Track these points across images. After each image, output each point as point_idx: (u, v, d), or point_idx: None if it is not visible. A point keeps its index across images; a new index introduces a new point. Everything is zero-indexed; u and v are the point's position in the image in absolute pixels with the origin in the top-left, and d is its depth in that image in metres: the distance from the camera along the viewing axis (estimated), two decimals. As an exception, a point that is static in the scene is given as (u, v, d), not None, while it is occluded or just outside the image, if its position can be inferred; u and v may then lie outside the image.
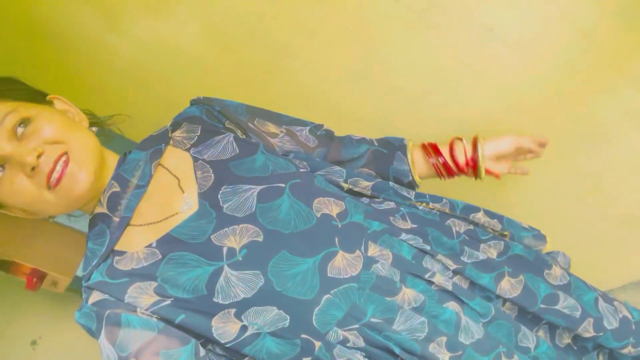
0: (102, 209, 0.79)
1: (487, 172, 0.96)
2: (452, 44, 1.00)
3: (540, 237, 0.96)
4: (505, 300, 0.90)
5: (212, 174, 0.82)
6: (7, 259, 2.06)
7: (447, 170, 0.97)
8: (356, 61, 1.06)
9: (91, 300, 0.76)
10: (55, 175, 0.71)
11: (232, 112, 0.91)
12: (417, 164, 0.98)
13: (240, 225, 0.77)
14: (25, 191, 0.72)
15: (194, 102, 0.93)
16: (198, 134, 0.87)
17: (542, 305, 0.87)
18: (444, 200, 0.93)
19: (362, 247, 0.83)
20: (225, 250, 0.75)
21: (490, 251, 0.93)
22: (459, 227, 0.95)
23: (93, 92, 1.11)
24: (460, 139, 0.96)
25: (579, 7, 0.91)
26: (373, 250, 0.84)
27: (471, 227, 0.97)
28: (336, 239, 0.80)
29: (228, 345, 0.76)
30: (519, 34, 0.96)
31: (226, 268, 0.74)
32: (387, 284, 0.81)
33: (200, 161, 0.83)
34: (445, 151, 0.96)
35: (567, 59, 0.99)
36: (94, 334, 0.74)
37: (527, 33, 0.96)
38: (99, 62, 1.12)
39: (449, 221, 0.96)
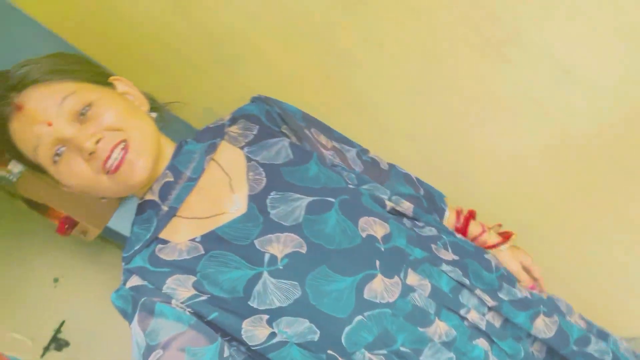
0: (152, 197, 0.80)
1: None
2: (523, 79, 0.97)
3: None
4: (534, 340, 0.89)
5: (264, 178, 0.82)
6: (44, 203, 2.13)
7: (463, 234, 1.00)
8: (419, 79, 1.04)
9: (129, 284, 0.77)
10: (114, 162, 0.71)
11: (289, 117, 0.91)
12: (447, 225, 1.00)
13: (285, 234, 0.77)
14: (82, 174, 0.73)
15: (254, 100, 0.93)
16: (255, 133, 0.87)
17: (574, 348, 0.86)
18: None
19: (402, 274, 0.82)
20: (267, 256, 0.76)
21: (524, 292, 0.92)
22: (497, 260, 0.95)
23: (155, 74, 1.12)
24: (491, 228, 0.99)
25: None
26: (412, 278, 0.83)
27: None
28: (377, 262, 0.80)
29: (254, 348, 0.78)
30: (595, 81, 0.93)
31: (265, 274, 0.75)
32: (421, 314, 0.81)
33: (253, 162, 0.83)
34: (472, 230, 0.98)
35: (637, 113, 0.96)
36: (128, 316, 0.76)
37: (602, 81, 0.92)
38: (165, 46, 1.12)
39: (487, 255, 0.95)
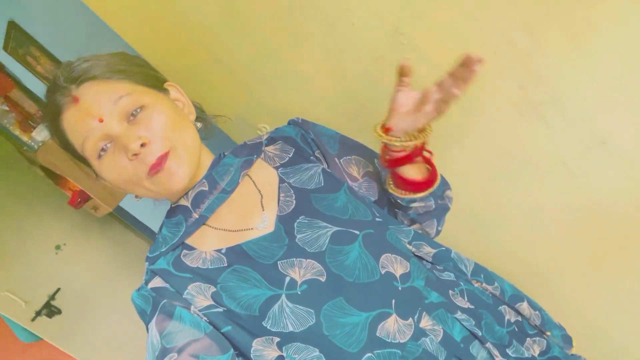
0: (185, 203, 0.82)
1: (386, 130, 0.78)
2: (557, 141, 0.97)
3: (568, 339, 0.95)
4: None
5: (294, 200, 0.83)
6: (59, 173, 2.16)
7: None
8: (455, 123, 1.05)
9: (151, 285, 0.79)
10: (154, 167, 0.73)
11: (324, 142, 0.91)
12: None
13: (308, 260, 0.78)
14: (123, 172, 0.74)
15: (291, 123, 0.94)
16: (290, 155, 0.88)
17: None
18: (496, 283, 0.93)
19: (416, 316, 0.82)
20: (287, 279, 0.77)
21: (534, 348, 0.92)
22: (509, 315, 0.94)
23: (204, 86, 1.14)
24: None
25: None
26: (426, 322, 0.83)
27: (520, 318, 0.97)
28: (393, 301, 0.80)
29: None
30: (631, 157, 0.93)
31: (283, 297, 0.76)
32: None
33: (285, 184, 0.85)
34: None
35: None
36: (146, 316, 0.77)
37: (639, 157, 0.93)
38: (216, 60, 1.14)
39: (501, 307, 0.96)
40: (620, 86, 0.86)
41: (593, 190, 1.03)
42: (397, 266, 0.83)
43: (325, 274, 0.77)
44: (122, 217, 2.56)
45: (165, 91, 0.82)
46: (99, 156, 0.75)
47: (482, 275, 0.95)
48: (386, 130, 0.77)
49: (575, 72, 0.87)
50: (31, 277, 3.12)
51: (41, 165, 2.22)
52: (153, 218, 2.47)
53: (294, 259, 0.77)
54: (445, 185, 0.92)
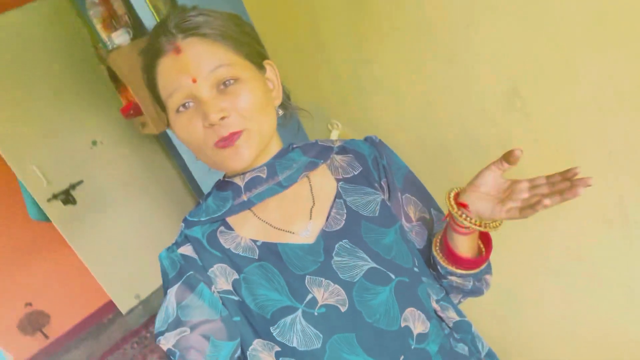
0: (239, 182, 0.79)
1: (461, 205, 0.73)
2: (632, 263, 0.90)
3: None
4: None
5: (344, 221, 0.81)
6: (123, 80, 2.17)
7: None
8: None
9: (182, 250, 0.79)
10: (223, 141, 0.71)
11: (393, 171, 0.88)
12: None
13: (335, 285, 0.76)
14: (194, 135, 0.73)
15: (368, 140, 0.90)
16: (356, 173, 0.85)
17: None
18: None
19: None
20: (309, 296, 0.75)
21: None
22: None
23: (296, 68, 1.09)
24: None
25: None
26: None
27: None
28: (402, 357, 0.78)
29: None
30: None
31: (299, 313, 0.75)
32: None
33: (342, 200, 0.82)
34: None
35: None
36: (167, 279, 0.77)
37: None
38: (320, 46, 1.09)
39: None
40: None
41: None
42: (417, 324, 0.80)
43: (347, 305, 0.75)
44: (164, 143, 2.57)
45: (262, 68, 0.80)
46: (178, 111, 0.73)
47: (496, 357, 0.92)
48: (460, 204, 0.73)
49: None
50: (62, 161, 3.20)
51: (108, 67, 2.23)
52: (195, 163, 2.48)
53: (323, 279, 0.76)
54: (488, 269, 0.88)
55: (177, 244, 0.80)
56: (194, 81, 0.70)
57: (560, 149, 0.87)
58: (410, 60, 0.99)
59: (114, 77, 2.28)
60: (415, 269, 0.82)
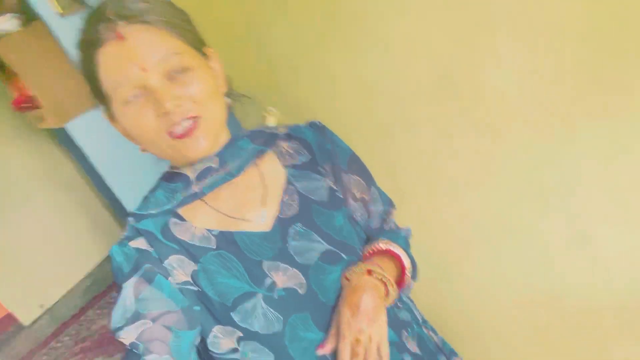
0: (189, 174, 0.78)
1: None
2: (548, 228, 1.02)
3: None
4: None
5: (297, 207, 0.83)
6: (12, 69, 1.94)
7: None
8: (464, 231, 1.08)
9: (135, 244, 0.76)
10: (180, 129, 0.69)
11: (337, 154, 0.90)
12: None
13: (293, 269, 0.78)
14: (146, 125, 0.70)
15: (312, 126, 0.91)
16: (304, 160, 0.87)
17: None
18: (439, 336, 0.98)
19: None
20: (268, 281, 0.77)
21: None
22: None
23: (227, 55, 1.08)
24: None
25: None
26: None
27: None
28: None
29: (211, 353, 0.78)
30: (606, 262, 1.01)
31: (260, 297, 0.76)
32: None
33: (292, 186, 0.84)
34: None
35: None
36: (122, 274, 0.74)
37: (614, 263, 1.01)
38: (250, 32, 1.08)
39: (440, 357, 1.02)
40: (625, 204, 0.92)
41: (558, 280, 1.10)
42: None
43: (305, 287, 0.78)
44: (63, 141, 2.33)
45: (205, 56, 0.78)
46: (126, 103, 0.70)
47: (428, 324, 1.01)
48: None
49: (592, 176, 0.92)
50: None
51: (-4, 55, 1.99)
52: (104, 161, 2.31)
53: (280, 263, 0.78)
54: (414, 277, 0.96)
55: (129, 238, 0.77)
56: (145, 70, 0.67)
57: (489, 126, 0.96)
58: (347, 47, 1.02)
59: (2, 67, 2.03)
60: (359, 251, 0.87)
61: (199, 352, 0.82)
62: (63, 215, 3.34)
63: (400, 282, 0.86)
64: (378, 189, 0.95)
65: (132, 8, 0.68)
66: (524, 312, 1.23)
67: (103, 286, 3.45)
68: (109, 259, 0.76)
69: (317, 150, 0.88)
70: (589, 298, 1.09)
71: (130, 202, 2.46)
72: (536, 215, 1.04)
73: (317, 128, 0.90)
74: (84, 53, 0.71)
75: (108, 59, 0.68)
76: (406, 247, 0.90)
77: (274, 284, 0.76)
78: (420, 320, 1.02)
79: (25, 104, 2.08)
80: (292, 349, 0.77)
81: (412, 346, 0.95)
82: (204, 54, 0.77)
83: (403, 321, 0.98)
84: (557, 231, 1.03)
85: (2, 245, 3.04)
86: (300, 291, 0.78)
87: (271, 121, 1.22)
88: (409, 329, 0.97)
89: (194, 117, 0.70)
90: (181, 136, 0.70)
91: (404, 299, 1.05)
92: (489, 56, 0.89)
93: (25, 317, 3.12)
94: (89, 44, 0.69)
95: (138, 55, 0.67)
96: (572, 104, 0.86)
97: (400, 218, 1.24)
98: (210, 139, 0.73)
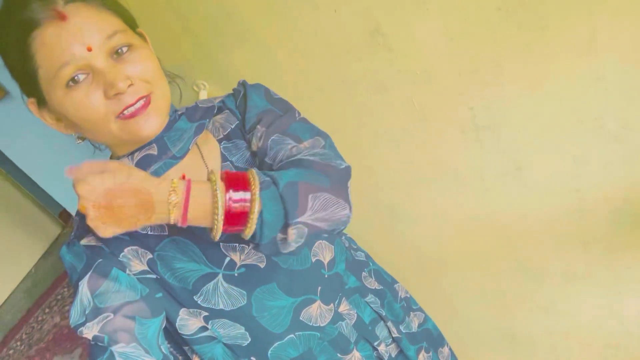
0: (129, 163, 0.76)
1: None
2: (483, 160, 1.10)
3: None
4: None
5: None
6: None
7: None
8: (400, 128, 1.11)
9: (85, 242, 0.74)
10: (132, 109, 0.68)
11: (248, 109, 0.83)
12: None
13: (251, 246, 0.78)
14: (94, 108, 0.67)
15: (235, 89, 0.87)
16: (232, 127, 0.84)
17: None
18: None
19: (337, 302, 0.90)
20: (227, 260, 0.77)
21: (414, 321, 1.08)
22: (401, 292, 1.10)
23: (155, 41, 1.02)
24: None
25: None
26: (344, 307, 0.92)
27: (408, 295, 1.13)
28: (319, 288, 0.86)
29: (181, 335, 0.79)
30: (538, 186, 1.10)
31: (220, 277, 0.77)
32: (343, 342, 0.90)
33: (228, 162, 0.83)
34: None
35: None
36: (76, 273, 0.72)
37: (541, 189, 1.11)
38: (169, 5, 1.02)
39: (396, 285, 1.11)
40: (550, 133, 1.00)
41: (496, 207, 1.20)
42: (326, 253, 0.89)
43: (265, 261, 0.79)
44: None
45: (142, 37, 0.76)
46: (68, 86, 0.66)
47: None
48: None
49: (520, 110, 0.98)
50: None
51: None
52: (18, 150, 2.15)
53: (237, 243, 0.78)
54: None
55: (78, 237, 0.75)
56: (90, 49, 0.64)
57: (420, 73, 0.99)
58: (274, 10, 1.00)
59: None
60: None
61: (172, 339, 0.82)
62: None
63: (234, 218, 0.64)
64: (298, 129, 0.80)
65: None
66: (465, 240, 1.33)
67: (45, 286, 3.30)
68: (46, 257, 0.73)
69: (240, 114, 0.85)
70: (522, 220, 1.20)
71: (60, 193, 2.36)
72: (471, 152, 1.10)
73: (237, 91, 0.86)
74: (12, 36, 0.65)
75: (48, 40, 0.63)
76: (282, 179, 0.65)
77: (232, 262, 0.77)
78: (366, 254, 1.09)
79: None
80: (261, 318, 0.79)
81: (373, 283, 1.02)
82: (138, 34, 0.75)
83: (360, 262, 1.04)
84: (491, 165, 1.11)
85: None
86: (261, 265, 0.79)
87: (203, 95, 1.19)
88: (365, 269, 1.03)
89: (147, 96, 0.68)
90: (132, 115, 0.67)
91: (347, 239, 1.09)
92: (417, 9, 0.91)
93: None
94: (21, 26, 0.64)
95: (83, 34, 0.63)
96: (498, 46, 0.90)
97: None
98: (161, 117, 0.71)
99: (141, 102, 0.68)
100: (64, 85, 0.66)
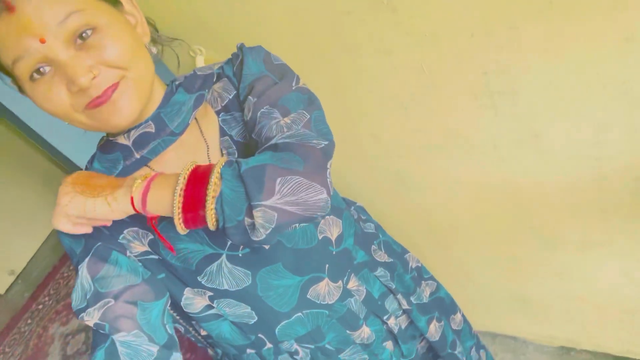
0: (126, 142, 0.72)
1: None
2: (497, 127, 1.03)
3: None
4: (422, 339, 1.04)
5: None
6: None
7: None
8: (411, 94, 1.04)
9: None
10: (97, 99, 0.62)
11: (242, 78, 0.76)
12: None
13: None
14: (59, 103, 0.62)
15: (234, 54, 0.79)
16: (230, 97, 0.78)
17: (448, 350, 1.03)
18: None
19: (345, 278, 0.88)
20: (229, 241, 0.75)
21: (426, 290, 1.07)
22: (412, 262, 1.07)
23: (147, 6, 0.94)
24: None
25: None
26: (352, 283, 0.90)
27: (420, 264, 1.10)
28: (327, 266, 0.84)
29: (187, 314, 0.79)
30: (555, 154, 1.04)
31: (224, 257, 0.75)
32: (352, 319, 0.89)
33: (227, 137, 0.78)
34: None
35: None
36: (75, 256, 0.71)
37: (559, 156, 1.04)
38: None
39: (406, 255, 1.08)
40: (571, 99, 0.92)
41: (511, 175, 1.13)
42: (333, 229, 0.86)
43: None
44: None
45: (118, 4, 0.68)
46: (32, 79, 0.61)
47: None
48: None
49: (538, 74, 0.90)
50: None
51: None
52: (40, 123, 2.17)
53: None
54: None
55: None
56: (43, 42, 0.58)
57: (429, 35, 0.91)
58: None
59: None
60: None
61: (181, 314, 0.82)
62: (14, 180, 3.20)
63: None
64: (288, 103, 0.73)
65: None
66: (478, 207, 1.28)
67: (70, 241, 3.41)
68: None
69: (237, 82, 0.78)
70: (538, 188, 1.14)
71: (80, 156, 2.40)
72: (485, 119, 1.03)
73: (235, 56, 0.79)
74: None
75: (1, 34, 0.58)
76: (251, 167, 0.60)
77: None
78: (376, 225, 1.06)
79: None
80: (267, 298, 0.78)
81: (382, 256, 0.99)
82: (116, 2, 0.67)
83: (370, 234, 1.01)
84: (506, 132, 1.04)
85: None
86: (265, 246, 0.76)
87: (200, 61, 1.13)
88: (375, 241, 1.00)
89: (115, 84, 0.63)
90: (98, 104, 0.62)
91: (357, 209, 1.06)
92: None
93: (-2, 286, 3.10)
94: None
95: (33, 25, 0.57)
96: (514, 6, 0.81)
97: (352, 138, 1.22)
98: (134, 100, 0.65)
99: (109, 90, 0.62)
100: (27, 78, 0.61)
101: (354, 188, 1.37)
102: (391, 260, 1.00)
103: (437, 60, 0.95)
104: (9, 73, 0.65)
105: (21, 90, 0.66)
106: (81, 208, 0.62)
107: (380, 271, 0.96)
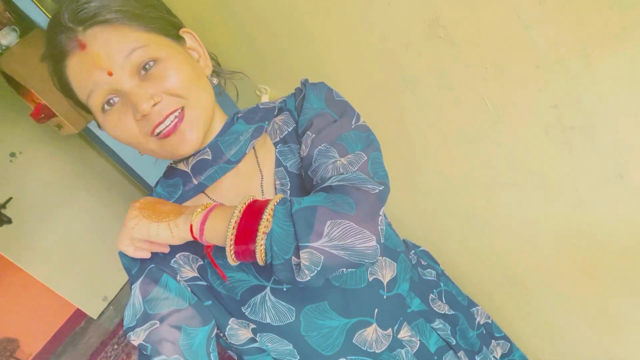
0: (185, 168, 0.76)
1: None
2: (576, 167, 0.93)
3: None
4: None
5: (289, 190, 0.77)
6: (23, 84, 1.96)
7: None
8: (472, 124, 0.99)
9: None
10: (165, 128, 0.66)
11: (304, 111, 0.77)
12: None
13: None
14: (129, 131, 0.68)
15: (297, 88, 0.82)
16: (289, 130, 0.80)
17: None
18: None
19: (396, 327, 0.83)
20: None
21: (497, 351, 0.96)
22: (480, 317, 0.98)
23: (205, 34, 1.00)
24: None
25: None
26: (404, 333, 0.84)
27: (489, 320, 1.00)
28: (376, 310, 0.79)
29: (232, 345, 0.78)
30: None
31: (268, 290, 0.74)
32: None
33: (282, 168, 0.78)
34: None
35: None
36: (131, 276, 0.75)
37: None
38: (225, 5, 1.01)
39: (474, 309, 0.99)
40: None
41: (596, 221, 1.01)
42: (386, 271, 0.81)
43: None
44: (90, 139, 2.41)
45: (180, 40, 0.73)
46: (104, 110, 0.68)
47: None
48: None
49: (618, 106, 0.81)
50: (-19, 183, 2.96)
51: (3, 72, 2.01)
52: (128, 152, 2.36)
53: None
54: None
55: None
56: (110, 74, 0.64)
57: (490, 67, 0.86)
58: (323, 6, 0.93)
59: (12, 82, 2.07)
60: None
61: (226, 347, 0.82)
62: (106, 207, 3.48)
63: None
64: (347, 141, 0.72)
65: (86, 10, 0.64)
66: (564, 256, 1.15)
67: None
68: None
69: (297, 116, 0.80)
70: (628, 236, 1.00)
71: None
72: (559, 157, 0.94)
73: (298, 90, 0.81)
74: (53, 67, 0.68)
75: (75, 69, 0.66)
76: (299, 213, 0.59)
77: None
78: (441, 272, 0.99)
79: (43, 115, 2.12)
80: (310, 338, 0.75)
81: (442, 307, 0.92)
82: (179, 38, 0.72)
83: (429, 281, 0.94)
84: (584, 171, 0.93)
85: (57, 247, 3.22)
86: None
87: (265, 99, 1.16)
88: (434, 290, 0.94)
89: (179, 109, 0.67)
90: (166, 135, 0.67)
91: (419, 254, 1.01)
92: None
93: (92, 311, 3.33)
94: (55, 58, 0.67)
95: (101, 59, 0.64)
96: (585, 31, 0.74)
97: (415, 174, 1.17)
98: (198, 130, 0.69)
99: (172, 118, 0.67)
100: (100, 110, 0.67)
101: (417, 230, 1.30)
102: (453, 312, 0.92)
103: (500, 92, 0.89)
104: (83, 106, 0.72)
105: (99, 125, 0.73)
106: (145, 231, 0.66)
107: (438, 323, 0.88)
